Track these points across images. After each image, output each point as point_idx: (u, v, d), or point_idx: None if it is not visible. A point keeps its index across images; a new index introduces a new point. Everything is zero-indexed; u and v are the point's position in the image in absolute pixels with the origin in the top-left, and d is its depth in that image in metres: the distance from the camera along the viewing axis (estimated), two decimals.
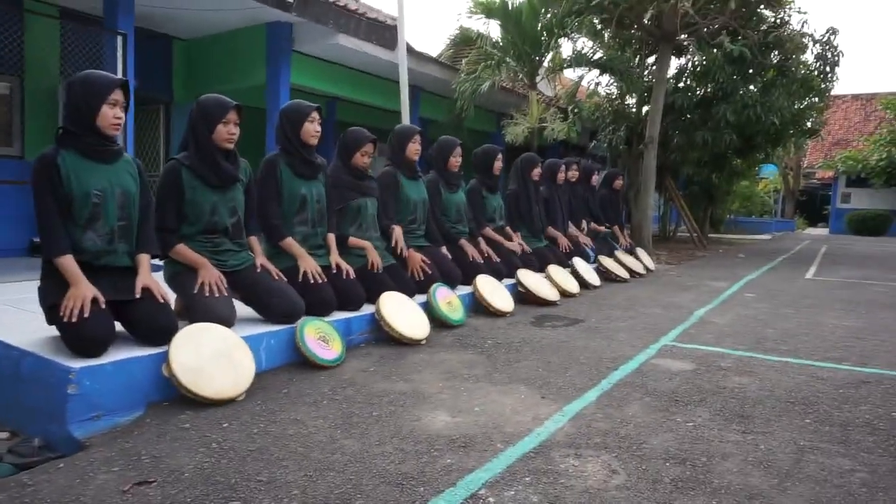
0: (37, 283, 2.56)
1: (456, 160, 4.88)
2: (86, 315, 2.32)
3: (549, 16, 9.78)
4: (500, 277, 4.90)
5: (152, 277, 2.65)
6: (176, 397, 2.43)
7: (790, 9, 10.78)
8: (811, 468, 2.04)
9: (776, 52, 10.80)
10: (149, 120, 8.27)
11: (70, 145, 2.50)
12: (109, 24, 6.19)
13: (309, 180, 3.58)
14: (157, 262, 2.80)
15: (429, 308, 3.87)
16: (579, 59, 10.26)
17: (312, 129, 3.52)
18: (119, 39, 6.15)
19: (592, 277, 6.03)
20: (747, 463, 2.07)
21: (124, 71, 6.14)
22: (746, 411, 2.58)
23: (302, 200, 3.53)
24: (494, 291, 4.50)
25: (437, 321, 3.87)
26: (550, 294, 4.98)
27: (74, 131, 2.49)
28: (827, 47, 11.10)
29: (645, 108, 11.65)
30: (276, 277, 3.19)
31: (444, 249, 4.64)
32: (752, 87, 10.81)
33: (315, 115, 3.53)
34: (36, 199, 2.44)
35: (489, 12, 10.12)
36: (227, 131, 2.97)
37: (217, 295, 2.84)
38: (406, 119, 7.54)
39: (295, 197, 3.51)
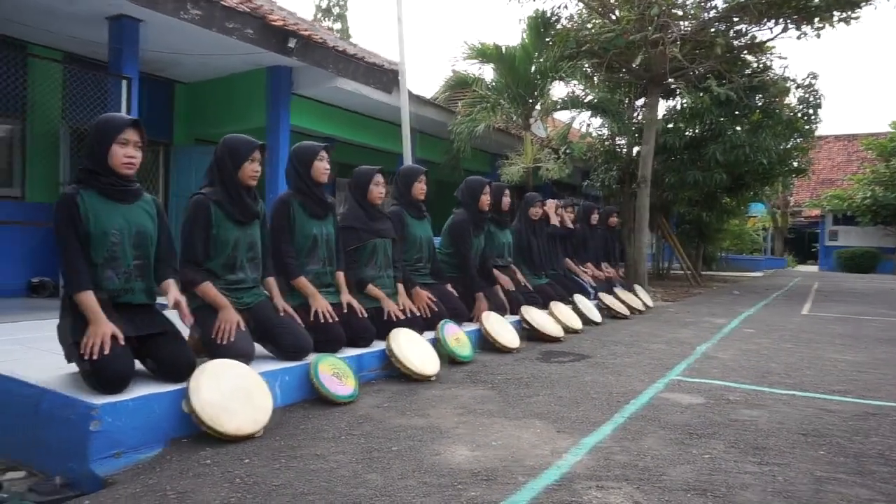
0: (38, 322, 2.56)
1: (486, 199, 4.98)
2: (106, 352, 2.34)
3: (542, 59, 10.07)
4: (504, 314, 4.94)
5: (181, 295, 2.66)
6: (195, 433, 2.43)
7: (771, 55, 11.21)
8: (831, 498, 2.06)
9: (761, 96, 11.17)
10: (148, 161, 8.36)
11: (89, 185, 2.55)
12: (114, 69, 6.31)
13: (320, 220, 3.64)
14: (162, 300, 2.79)
15: (438, 344, 3.90)
16: (572, 102, 10.52)
17: (322, 167, 3.61)
18: (124, 84, 6.27)
19: (594, 314, 6.08)
20: (767, 493, 2.09)
21: (128, 114, 6.24)
22: (760, 443, 2.60)
23: (314, 240, 3.58)
24: (501, 328, 4.53)
25: (446, 357, 3.89)
26: (555, 330, 5.02)
27: (93, 171, 2.55)
28: (809, 91, 11.52)
29: (636, 148, 11.92)
30: (299, 321, 3.23)
31: (449, 287, 4.69)
32: (739, 128, 11.13)
33: (324, 154, 3.62)
34: (58, 236, 2.47)
35: (484, 57, 10.41)
36: (252, 169, 3.05)
37: (231, 338, 2.86)
38: (408, 160, 7.67)
39: (307, 237, 3.56)
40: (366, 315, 3.67)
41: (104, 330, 2.38)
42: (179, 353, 2.57)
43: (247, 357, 2.79)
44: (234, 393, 2.50)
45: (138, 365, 2.56)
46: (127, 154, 2.56)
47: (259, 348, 3.09)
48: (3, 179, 6.78)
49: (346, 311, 3.60)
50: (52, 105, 6.76)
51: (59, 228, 2.48)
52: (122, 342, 2.42)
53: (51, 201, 6.90)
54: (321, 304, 3.43)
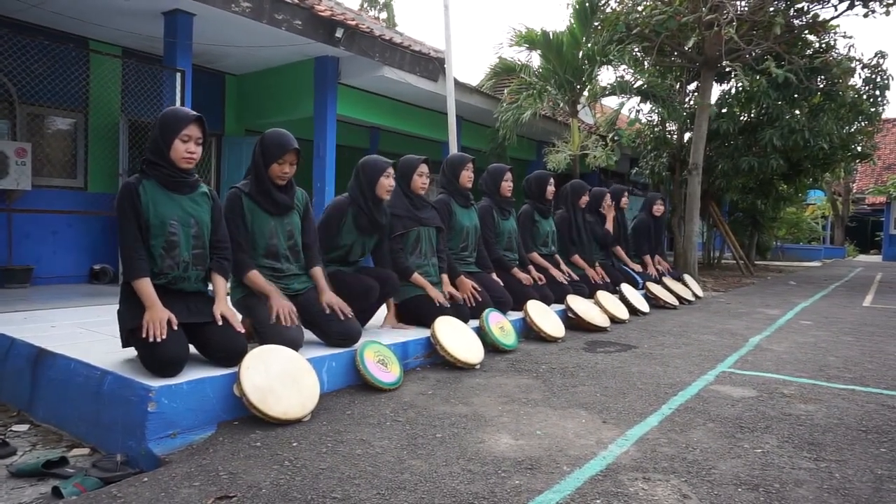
0: (100, 308, 2.67)
1: (508, 185, 4.97)
2: (162, 337, 2.42)
3: (589, 45, 9.86)
4: (548, 303, 4.90)
5: (228, 304, 2.75)
6: (245, 416, 2.51)
7: (835, 34, 10.66)
8: (893, 497, 1.98)
9: (822, 77, 10.65)
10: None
11: (151, 175, 2.64)
12: (169, 62, 6.50)
13: (369, 235, 3.73)
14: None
15: (482, 333, 3.90)
16: (621, 87, 10.28)
17: (387, 183, 3.66)
18: (178, 76, 6.45)
19: (641, 304, 5.97)
20: (823, 490, 2.02)
21: (181, 105, 6.42)
22: (816, 439, 2.51)
23: (361, 246, 3.72)
24: (545, 317, 4.50)
25: (490, 346, 3.89)
26: (601, 320, 4.95)
27: (154, 162, 2.63)
28: (876, 71, 10.91)
29: (687, 135, 11.57)
30: (340, 312, 3.27)
31: (494, 275, 4.68)
32: (798, 111, 10.66)
33: (390, 170, 3.67)
34: (119, 223, 2.58)
35: (531, 43, 10.24)
36: (281, 170, 3.08)
37: (290, 325, 2.92)
38: (453, 148, 7.65)
39: (350, 244, 3.68)
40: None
41: (160, 315, 2.47)
42: (231, 339, 2.64)
43: (296, 343, 2.86)
44: (282, 377, 2.56)
45: (192, 350, 2.64)
46: (188, 150, 2.62)
47: (307, 334, 3.16)
48: (67, 171, 7.09)
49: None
50: (111, 98, 7.02)
51: (119, 216, 2.57)
52: (177, 327, 2.51)
53: (110, 191, 7.19)
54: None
